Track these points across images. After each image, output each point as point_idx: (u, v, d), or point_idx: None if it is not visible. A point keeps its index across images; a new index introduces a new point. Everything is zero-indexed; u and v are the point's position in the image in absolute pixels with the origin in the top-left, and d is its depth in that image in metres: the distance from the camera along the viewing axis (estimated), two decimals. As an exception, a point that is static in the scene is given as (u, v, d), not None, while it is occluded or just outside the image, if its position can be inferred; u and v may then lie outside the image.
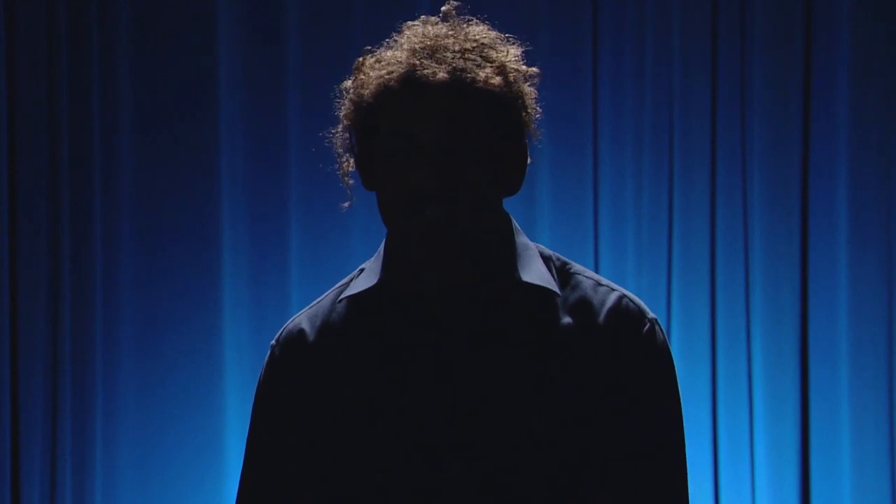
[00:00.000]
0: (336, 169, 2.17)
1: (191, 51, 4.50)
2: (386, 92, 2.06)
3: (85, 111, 4.44)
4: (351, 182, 2.17)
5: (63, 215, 4.42)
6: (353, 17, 4.52)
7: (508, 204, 2.16)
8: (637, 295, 2.19)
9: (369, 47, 2.15)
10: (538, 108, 2.14)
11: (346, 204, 2.21)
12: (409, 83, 2.05)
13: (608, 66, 4.58)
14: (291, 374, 2.17)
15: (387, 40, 2.14)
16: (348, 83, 2.13)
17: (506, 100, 2.08)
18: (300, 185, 4.50)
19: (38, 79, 4.40)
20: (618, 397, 2.09)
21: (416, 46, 2.07)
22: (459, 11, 2.14)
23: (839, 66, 4.53)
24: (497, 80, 2.06)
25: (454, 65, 2.05)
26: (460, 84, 2.04)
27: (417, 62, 2.05)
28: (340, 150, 2.16)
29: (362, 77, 2.10)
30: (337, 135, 2.15)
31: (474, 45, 2.08)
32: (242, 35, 4.52)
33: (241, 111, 4.52)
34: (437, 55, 2.06)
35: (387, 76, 2.06)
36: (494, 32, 2.13)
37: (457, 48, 2.07)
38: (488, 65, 2.07)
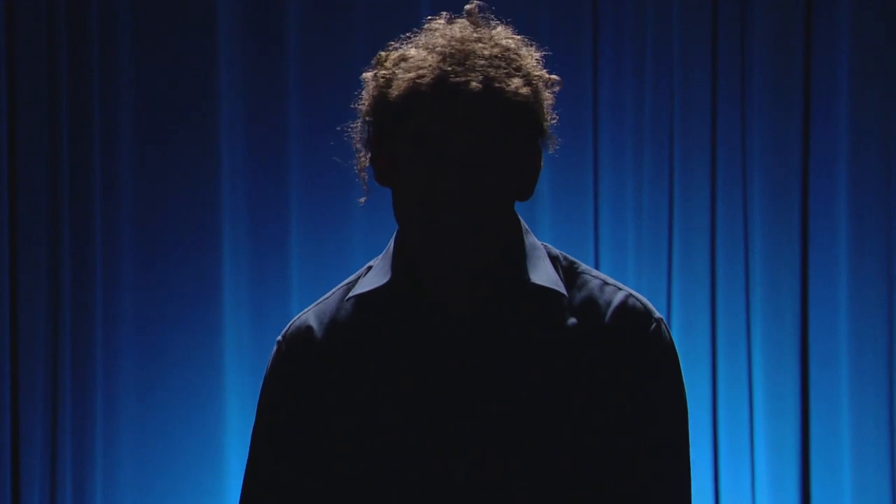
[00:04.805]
0: (353, 164, 2.16)
1: (191, 52, 4.49)
2: (416, 94, 2.04)
3: (85, 111, 4.44)
4: (367, 177, 2.16)
5: (63, 215, 4.41)
6: (353, 17, 4.52)
7: (510, 203, 2.15)
8: (637, 295, 2.20)
9: (391, 42, 2.13)
10: (555, 115, 2.13)
11: (363, 199, 2.19)
12: (442, 89, 2.03)
13: (608, 66, 4.58)
14: (298, 370, 2.15)
15: (407, 34, 2.12)
16: (368, 75, 2.11)
17: (531, 108, 2.07)
18: (300, 185, 4.49)
19: (38, 79, 4.40)
20: (624, 397, 2.09)
21: (446, 50, 2.06)
22: (481, 10, 2.13)
23: (839, 66, 4.53)
24: (525, 89, 2.05)
25: (486, 73, 2.03)
26: (492, 94, 2.03)
27: (449, 68, 2.04)
28: (359, 146, 2.14)
29: (386, 73, 2.09)
30: (356, 129, 2.14)
31: (502, 51, 2.07)
32: (242, 36, 4.51)
33: (241, 112, 4.51)
34: (468, 62, 2.04)
35: (417, 78, 2.04)
36: (518, 36, 2.12)
37: (486, 54, 2.05)
38: (516, 73, 2.05)
